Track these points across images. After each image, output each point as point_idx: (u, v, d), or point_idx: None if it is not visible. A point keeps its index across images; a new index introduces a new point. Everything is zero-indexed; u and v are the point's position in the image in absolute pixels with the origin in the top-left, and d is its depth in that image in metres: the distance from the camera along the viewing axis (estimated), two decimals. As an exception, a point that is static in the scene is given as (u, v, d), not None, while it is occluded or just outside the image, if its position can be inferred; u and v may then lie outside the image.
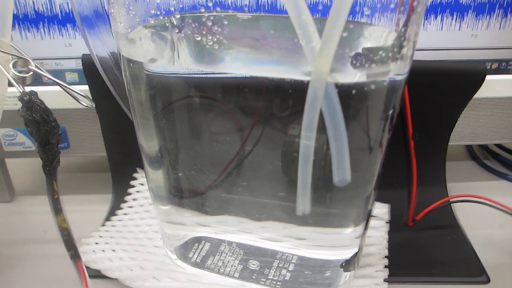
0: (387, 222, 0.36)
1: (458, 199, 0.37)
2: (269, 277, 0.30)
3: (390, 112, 0.23)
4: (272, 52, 0.26)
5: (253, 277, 0.31)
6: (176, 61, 0.26)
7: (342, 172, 0.22)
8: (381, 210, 0.37)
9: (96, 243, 0.34)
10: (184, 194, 0.32)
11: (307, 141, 0.23)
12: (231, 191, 0.31)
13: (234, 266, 0.31)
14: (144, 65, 0.26)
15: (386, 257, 0.33)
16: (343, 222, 0.28)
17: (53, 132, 0.24)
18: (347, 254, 0.29)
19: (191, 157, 0.31)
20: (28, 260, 0.35)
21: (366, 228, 0.28)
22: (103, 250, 0.33)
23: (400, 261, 0.34)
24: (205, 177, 0.31)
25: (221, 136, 0.30)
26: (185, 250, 0.32)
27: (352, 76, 0.21)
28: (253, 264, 0.31)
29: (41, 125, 0.24)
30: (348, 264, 0.30)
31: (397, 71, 0.22)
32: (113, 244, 0.34)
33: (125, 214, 0.38)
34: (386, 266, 0.33)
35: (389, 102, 0.23)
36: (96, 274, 0.32)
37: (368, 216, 0.28)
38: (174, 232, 0.33)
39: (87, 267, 0.33)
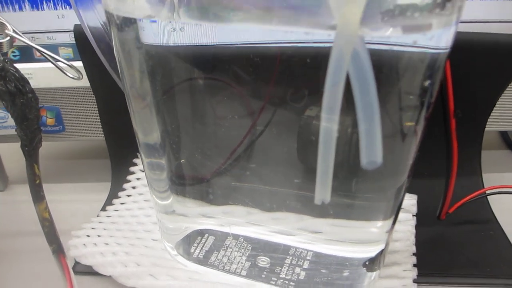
0: (414, 215, 0.32)
1: (495, 190, 0.33)
2: (281, 276, 0.27)
3: (428, 83, 0.19)
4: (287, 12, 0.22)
5: (263, 276, 0.27)
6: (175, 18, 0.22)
7: (372, 153, 0.18)
8: (408, 202, 0.33)
9: (88, 236, 0.30)
10: (186, 181, 0.29)
11: (328, 123, 0.19)
12: (239, 177, 0.28)
13: (241, 263, 0.28)
14: (138, 35, 0.22)
15: (414, 254, 0.29)
16: (369, 214, 0.24)
17: (30, 106, 0.21)
18: (371, 251, 0.25)
19: (195, 140, 0.27)
20: (21, 254, 0.32)
21: (394, 222, 0.24)
22: (95, 244, 0.30)
23: (429, 259, 0.30)
24: (210, 162, 0.28)
25: (228, 115, 0.26)
26: (186, 244, 0.29)
27: (385, 30, 0.17)
28: (263, 261, 0.27)
29: (16, 97, 0.21)
30: (372, 263, 0.26)
31: (439, 26, 0.17)
32: (106, 237, 0.30)
33: (122, 203, 0.35)
34: (414, 265, 0.29)
35: (429, 71, 0.19)
36: (88, 271, 0.29)
37: (399, 209, 0.24)
38: (174, 225, 0.29)
39: (77, 263, 0.30)
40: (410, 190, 0.35)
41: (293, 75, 0.23)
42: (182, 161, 0.28)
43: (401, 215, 0.32)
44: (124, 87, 0.25)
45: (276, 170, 0.27)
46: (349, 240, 0.26)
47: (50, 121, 0.37)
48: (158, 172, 0.27)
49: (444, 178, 0.29)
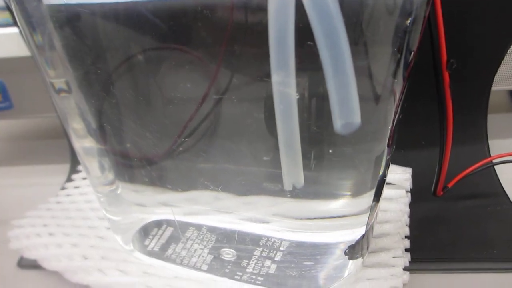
0: (408, 192, 0.28)
1: (503, 159, 0.28)
2: (247, 270, 0.23)
3: (409, 21, 0.14)
4: None
5: (226, 270, 0.23)
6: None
7: (347, 113, 0.14)
8: (401, 176, 0.28)
9: (32, 226, 0.27)
10: (136, 167, 0.24)
11: (283, 87, 0.15)
12: (199, 157, 0.23)
13: (203, 256, 0.24)
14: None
15: (406, 237, 0.25)
16: (346, 190, 0.20)
17: None
18: (351, 235, 0.21)
19: (141, 116, 0.22)
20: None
21: (377, 200, 0.20)
22: (39, 235, 0.26)
23: (425, 242, 0.26)
24: (163, 141, 0.23)
25: (179, 85, 0.21)
26: (140, 236, 0.25)
27: None
28: (228, 254, 0.23)
29: None
30: (353, 250, 0.21)
31: None
32: (53, 226, 0.26)
33: (76, 187, 0.31)
34: (407, 250, 0.24)
35: (406, 9, 0.14)
36: (34, 264, 0.25)
37: (381, 184, 0.19)
38: (125, 216, 0.25)
39: (21, 257, 0.26)
40: (404, 162, 0.30)
41: (253, 29, 0.18)
42: (128, 145, 0.23)
43: (392, 192, 0.28)
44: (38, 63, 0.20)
45: (244, 145, 0.23)
46: (327, 224, 0.22)
47: (-5, 97, 0.33)
48: (100, 159, 0.23)
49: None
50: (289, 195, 0.21)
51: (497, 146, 0.30)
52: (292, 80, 0.15)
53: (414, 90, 0.19)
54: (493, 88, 0.29)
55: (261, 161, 0.23)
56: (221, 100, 0.21)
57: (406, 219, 0.26)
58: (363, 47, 0.14)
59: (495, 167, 0.30)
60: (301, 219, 0.23)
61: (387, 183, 0.29)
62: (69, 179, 0.32)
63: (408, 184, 0.28)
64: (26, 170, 0.34)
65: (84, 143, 0.22)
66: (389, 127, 0.16)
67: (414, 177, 0.29)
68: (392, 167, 0.29)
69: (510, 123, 0.37)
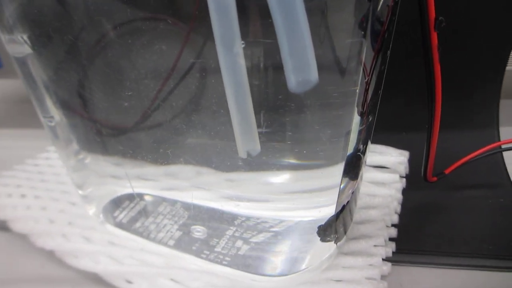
0: (402, 177, 0.26)
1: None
2: (216, 249, 0.21)
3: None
4: None
5: (193, 248, 0.21)
6: None
7: (302, 69, 0.12)
8: (395, 159, 0.26)
9: (5, 186, 0.26)
10: (112, 137, 0.23)
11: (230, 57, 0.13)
12: (177, 129, 0.22)
13: (171, 232, 0.22)
14: None
15: (393, 225, 0.23)
16: (309, 161, 0.18)
17: None
18: (319, 214, 0.19)
19: (114, 83, 0.21)
20: None
21: (350, 177, 0.18)
22: (10, 195, 0.25)
23: (415, 232, 0.23)
24: (138, 110, 0.22)
25: (150, 44, 0.19)
26: (111, 207, 0.24)
27: None
28: (198, 231, 0.22)
29: None
30: (324, 231, 0.19)
31: None
32: (26, 188, 0.26)
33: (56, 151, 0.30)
34: (392, 239, 0.22)
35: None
36: (3, 226, 0.25)
37: (353, 159, 0.17)
38: (96, 189, 0.24)
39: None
40: (402, 145, 0.28)
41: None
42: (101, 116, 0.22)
43: (385, 176, 0.26)
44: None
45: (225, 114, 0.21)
46: (300, 200, 0.20)
47: (-17, 54, 0.32)
48: (73, 130, 0.22)
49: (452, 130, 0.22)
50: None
51: (509, 133, 0.27)
52: (240, 50, 0.13)
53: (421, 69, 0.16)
54: (509, 67, 0.26)
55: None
56: (192, 66, 0.19)
57: (395, 206, 0.24)
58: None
59: (504, 156, 0.27)
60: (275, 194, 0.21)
61: (380, 166, 0.27)
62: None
63: (403, 169, 0.26)
64: (12, 133, 0.34)
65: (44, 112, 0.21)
66: (357, 91, 0.14)
67: (413, 162, 0.27)
68: (388, 149, 0.27)
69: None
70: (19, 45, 0.19)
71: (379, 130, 0.23)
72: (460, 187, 0.26)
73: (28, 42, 0.18)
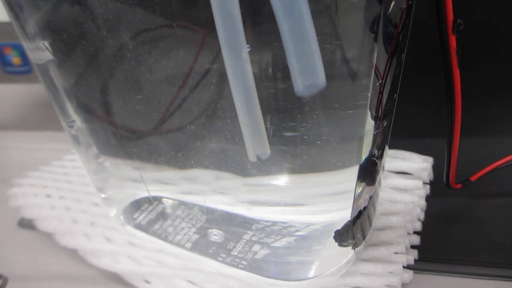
0: (426, 183, 0.25)
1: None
2: (232, 253, 0.21)
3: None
4: None
5: (210, 251, 0.21)
6: None
7: (309, 73, 0.12)
8: (418, 165, 0.26)
9: (32, 186, 0.27)
10: (131, 141, 0.23)
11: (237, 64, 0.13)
12: (202, 133, 0.22)
13: (188, 235, 0.22)
14: None
15: (416, 233, 0.22)
16: (322, 165, 0.18)
17: None
18: (333, 218, 0.19)
19: (132, 89, 0.21)
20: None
21: (366, 182, 0.18)
22: (36, 195, 0.26)
23: (439, 240, 0.23)
24: (157, 114, 0.22)
25: (169, 49, 0.20)
26: (131, 209, 0.24)
27: None
28: (215, 235, 0.22)
29: None
30: (341, 235, 0.19)
31: None
32: (51, 188, 0.26)
33: (81, 153, 0.30)
34: (414, 247, 0.22)
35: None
36: (31, 225, 0.25)
37: (367, 164, 0.17)
38: (117, 192, 0.24)
39: (22, 217, 0.27)
40: (427, 151, 0.27)
41: None
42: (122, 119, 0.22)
43: (407, 182, 0.25)
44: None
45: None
46: (314, 205, 0.20)
47: (16, 60, 0.33)
48: (94, 134, 0.22)
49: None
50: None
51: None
52: (246, 56, 0.13)
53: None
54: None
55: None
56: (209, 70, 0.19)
57: (418, 212, 0.23)
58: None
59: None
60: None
61: (403, 172, 0.26)
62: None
63: (427, 175, 0.25)
64: (40, 135, 0.35)
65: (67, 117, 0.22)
66: (369, 95, 0.13)
67: (438, 168, 0.26)
68: (411, 155, 0.26)
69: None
70: (41, 51, 0.19)
71: (402, 135, 0.23)
72: (486, 194, 0.25)
73: (50, 48, 0.19)
